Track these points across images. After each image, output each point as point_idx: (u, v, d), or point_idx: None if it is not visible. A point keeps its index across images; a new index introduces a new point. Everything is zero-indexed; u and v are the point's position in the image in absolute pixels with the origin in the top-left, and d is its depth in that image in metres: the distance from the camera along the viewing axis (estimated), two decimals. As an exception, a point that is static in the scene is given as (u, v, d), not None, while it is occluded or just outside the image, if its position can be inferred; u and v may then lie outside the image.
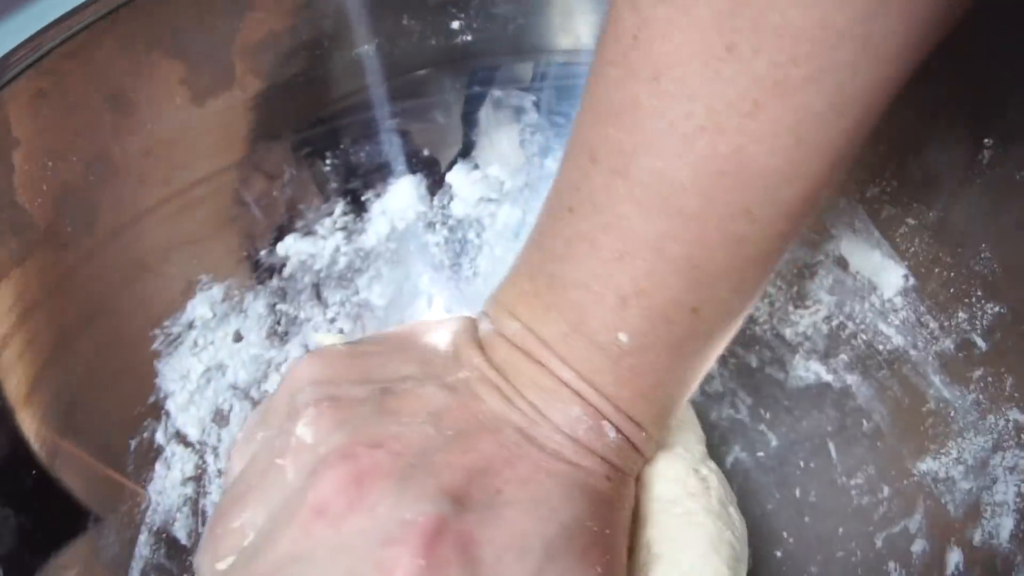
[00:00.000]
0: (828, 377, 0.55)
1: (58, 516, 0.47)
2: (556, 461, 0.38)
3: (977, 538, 0.46)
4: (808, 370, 0.56)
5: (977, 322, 0.49)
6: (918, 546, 0.49)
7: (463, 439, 0.38)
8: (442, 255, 0.62)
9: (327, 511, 0.35)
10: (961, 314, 0.49)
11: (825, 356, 0.55)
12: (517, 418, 0.39)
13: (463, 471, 0.36)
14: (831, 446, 0.54)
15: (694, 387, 0.42)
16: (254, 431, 0.43)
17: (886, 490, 0.51)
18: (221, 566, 0.38)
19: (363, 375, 0.41)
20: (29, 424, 0.47)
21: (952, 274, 0.50)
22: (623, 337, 0.38)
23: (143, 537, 0.50)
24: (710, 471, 0.47)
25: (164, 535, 0.51)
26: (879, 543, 0.51)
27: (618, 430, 0.40)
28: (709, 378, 0.59)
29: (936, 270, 0.51)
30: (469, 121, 0.60)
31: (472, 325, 0.44)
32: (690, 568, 0.42)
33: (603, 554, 0.38)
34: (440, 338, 0.43)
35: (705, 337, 0.40)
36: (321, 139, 0.58)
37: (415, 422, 0.38)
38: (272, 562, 0.35)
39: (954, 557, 0.47)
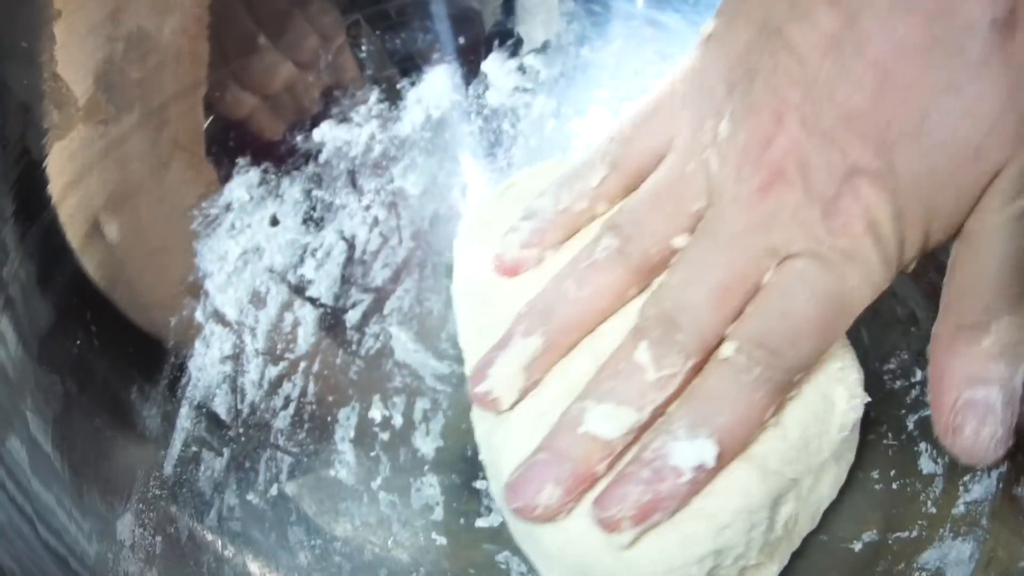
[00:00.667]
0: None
1: (102, 384, 0.48)
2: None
3: (1010, 416, 0.46)
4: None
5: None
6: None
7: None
8: (477, 145, 0.62)
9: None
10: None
11: (860, 244, 0.55)
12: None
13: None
14: (864, 332, 0.54)
15: None
16: None
17: (919, 374, 0.51)
18: None
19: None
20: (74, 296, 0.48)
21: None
22: None
23: (184, 410, 0.51)
24: None
25: (204, 409, 0.52)
26: (911, 425, 0.51)
27: None
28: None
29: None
30: (507, 8, 0.60)
31: None
32: None
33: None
34: None
35: None
36: (356, 26, 0.58)
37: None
38: None
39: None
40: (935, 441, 0.49)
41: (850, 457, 0.48)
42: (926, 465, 0.49)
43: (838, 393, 0.44)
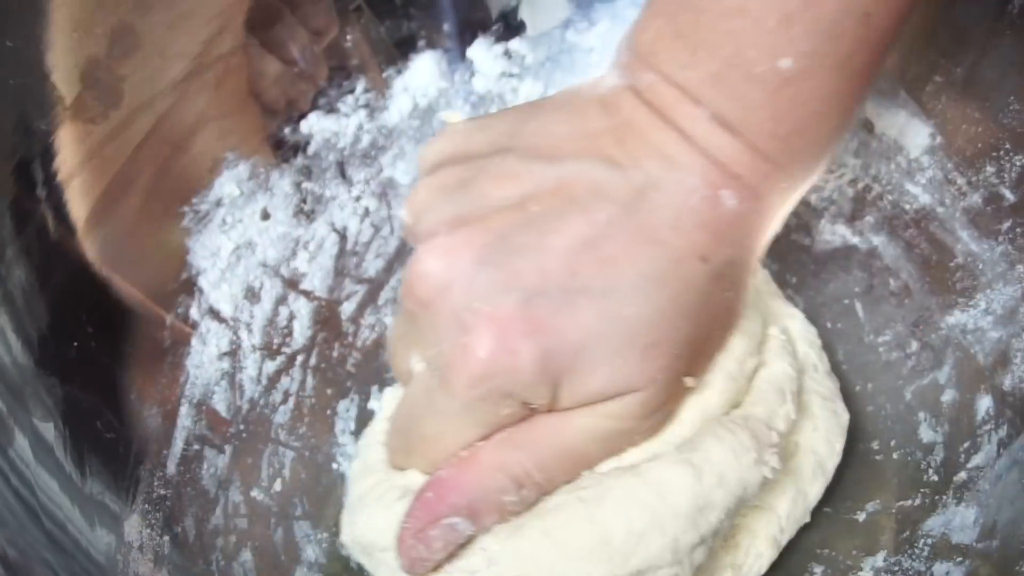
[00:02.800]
0: (854, 239, 0.56)
1: (102, 385, 0.47)
2: (649, 244, 0.37)
3: (1008, 383, 0.47)
4: (834, 233, 0.56)
5: (1005, 175, 0.49)
6: (948, 395, 0.50)
7: (549, 220, 0.38)
8: (465, 132, 0.62)
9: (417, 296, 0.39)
10: (989, 168, 0.49)
11: (851, 219, 0.56)
12: (622, 190, 0.37)
13: (541, 254, 0.37)
14: (858, 306, 0.55)
15: (853, 120, 0.40)
16: None
17: (914, 345, 0.52)
18: None
19: (466, 152, 0.41)
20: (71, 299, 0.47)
21: (980, 129, 0.50)
22: (785, 63, 0.34)
23: (184, 409, 0.51)
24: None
25: (204, 407, 0.52)
26: (908, 396, 0.52)
27: (742, 197, 0.38)
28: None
29: (963, 126, 0.51)
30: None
31: (594, 83, 0.41)
32: None
33: (669, 349, 0.38)
34: (563, 103, 0.41)
35: (874, 47, 0.36)
36: (340, 15, 0.58)
37: (504, 203, 0.38)
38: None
39: (984, 403, 0.48)
40: (933, 410, 0.50)
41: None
42: (926, 434, 0.50)
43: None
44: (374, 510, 0.46)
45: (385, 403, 0.53)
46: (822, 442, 0.48)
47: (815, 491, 0.48)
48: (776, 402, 0.45)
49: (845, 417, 0.50)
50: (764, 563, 0.47)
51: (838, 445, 0.49)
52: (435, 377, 0.39)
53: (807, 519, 0.48)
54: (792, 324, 0.52)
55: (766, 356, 0.47)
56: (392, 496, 0.46)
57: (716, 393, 0.44)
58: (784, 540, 0.47)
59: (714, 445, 0.42)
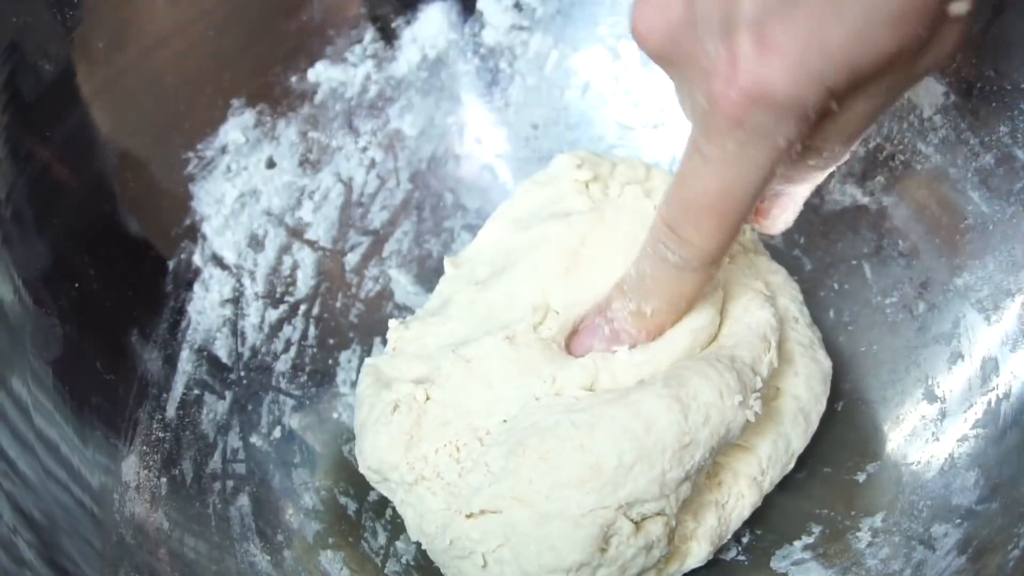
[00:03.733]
0: (864, 200, 0.55)
1: (101, 327, 0.48)
2: None
3: (1012, 346, 0.46)
4: (844, 194, 0.55)
5: (1019, 135, 0.48)
6: (953, 358, 0.49)
7: None
8: (473, 84, 0.61)
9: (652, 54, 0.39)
10: (1003, 128, 0.49)
11: (862, 179, 0.55)
12: None
13: None
14: (866, 267, 0.54)
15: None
16: None
17: (921, 306, 0.51)
18: None
19: None
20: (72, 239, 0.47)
21: (995, 88, 0.49)
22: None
23: (185, 354, 0.51)
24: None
25: (205, 353, 0.52)
26: (914, 357, 0.51)
27: None
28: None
29: (979, 85, 0.50)
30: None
31: None
32: None
33: None
34: None
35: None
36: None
37: None
38: None
39: (989, 365, 0.47)
40: (938, 372, 0.50)
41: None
42: (929, 396, 0.49)
43: None
44: (375, 430, 0.48)
45: (391, 335, 0.53)
46: (803, 387, 0.49)
47: (797, 436, 0.49)
48: (760, 348, 0.47)
49: (827, 364, 0.51)
50: (747, 505, 0.48)
51: (819, 391, 0.50)
52: (699, 132, 0.38)
53: (791, 465, 0.49)
54: (774, 279, 0.53)
55: (750, 305, 0.48)
56: (386, 413, 0.48)
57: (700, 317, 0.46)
58: (766, 483, 0.48)
59: (702, 384, 0.44)
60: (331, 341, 0.56)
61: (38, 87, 0.47)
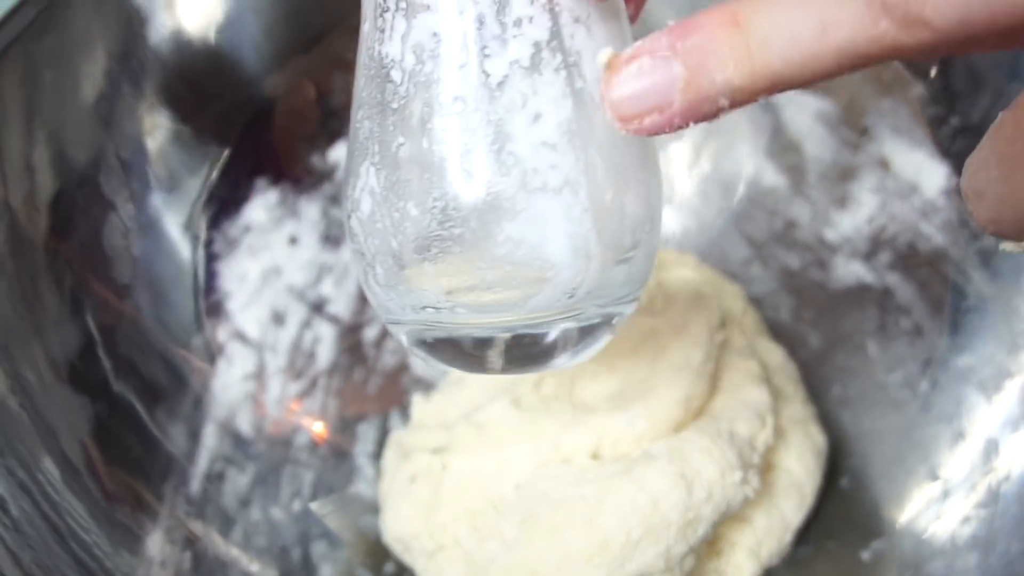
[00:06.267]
0: (869, 277, 0.56)
1: (130, 405, 0.50)
2: None
3: (1014, 426, 0.47)
4: (849, 271, 0.57)
5: (1019, 219, 0.49)
6: (955, 437, 0.50)
7: None
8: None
9: None
10: (1003, 212, 0.50)
11: (867, 257, 0.56)
12: None
13: None
14: (870, 344, 0.55)
15: None
16: None
17: (924, 384, 0.53)
18: None
19: None
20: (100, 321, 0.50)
21: (995, 172, 0.50)
22: None
23: (209, 428, 0.53)
24: None
25: (228, 427, 0.54)
26: (916, 435, 0.52)
27: None
28: (751, 280, 0.60)
29: (979, 169, 0.51)
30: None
31: None
32: None
33: None
34: None
35: None
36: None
37: None
38: None
39: (990, 445, 0.48)
40: (940, 450, 0.51)
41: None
42: (931, 474, 0.50)
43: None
44: (396, 501, 0.51)
45: (414, 411, 0.56)
46: (795, 461, 0.51)
47: (792, 509, 0.50)
48: (757, 426, 0.49)
49: (820, 440, 0.53)
50: (745, 574, 0.49)
51: (813, 465, 0.52)
52: None
53: (788, 537, 0.50)
54: (771, 359, 0.55)
55: (744, 383, 0.51)
56: (406, 484, 0.51)
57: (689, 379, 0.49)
58: (764, 554, 0.50)
59: (705, 461, 0.46)
60: (349, 414, 0.58)
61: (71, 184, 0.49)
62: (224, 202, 0.55)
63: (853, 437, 0.54)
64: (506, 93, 0.30)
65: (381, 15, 0.31)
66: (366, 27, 0.32)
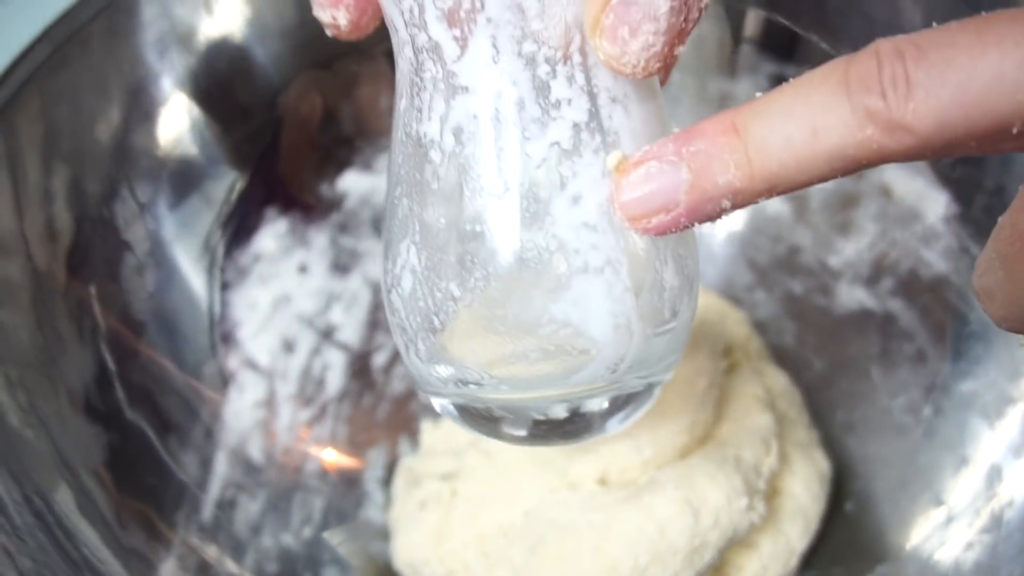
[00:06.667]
0: (872, 303, 0.57)
1: (143, 433, 0.50)
2: None
3: (1015, 453, 0.48)
4: (852, 297, 0.58)
5: (1019, 246, 0.50)
6: (958, 463, 0.51)
7: None
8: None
9: None
10: (1003, 239, 0.51)
11: (869, 283, 0.57)
12: None
13: None
14: (874, 370, 0.56)
15: None
16: None
17: (927, 410, 0.53)
18: None
19: None
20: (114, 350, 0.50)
21: (995, 199, 0.51)
22: None
23: (220, 456, 0.54)
24: None
25: (239, 455, 0.54)
26: (920, 460, 0.53)
27: None
28: (756, 306, 0.61)
29: (978, 196, 0.52)
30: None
31: None
32: None
33: None
34: None
35: None
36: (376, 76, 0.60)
37: None
38: None
39: (993, 472, 0.49)
40: (943, 476, 0.51)
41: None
42: (935, 500, 0.51)
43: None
44: (407, 528, 0.52)
45: (423, 437, 0.56)
46: (800, 486, 0.52)
47: (796, 534, 0.51)
48: (761, 451, 0.50)
49: (824, 465, 0.54)
50: None
51: (817, 490, 0.52)
52: None
53: (793, 562, 0.51)
54: (775, 384, 0.56)
55: (749, 409, 0.52)
56: (415, 508, 0.52)
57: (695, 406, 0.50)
58: None
59: (711, 487, 0.46)
60: (359, 440, 0.59)
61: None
62: (235, 232, 0.56)
63: (858, 462, 0.55)
64: (546, 175, 0.30)
65: (418, 94, 0.31)
66: (402, 104, 0.33)
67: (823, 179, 0.28)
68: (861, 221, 0.57)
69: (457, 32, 0.30)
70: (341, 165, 0.60)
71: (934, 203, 0.54)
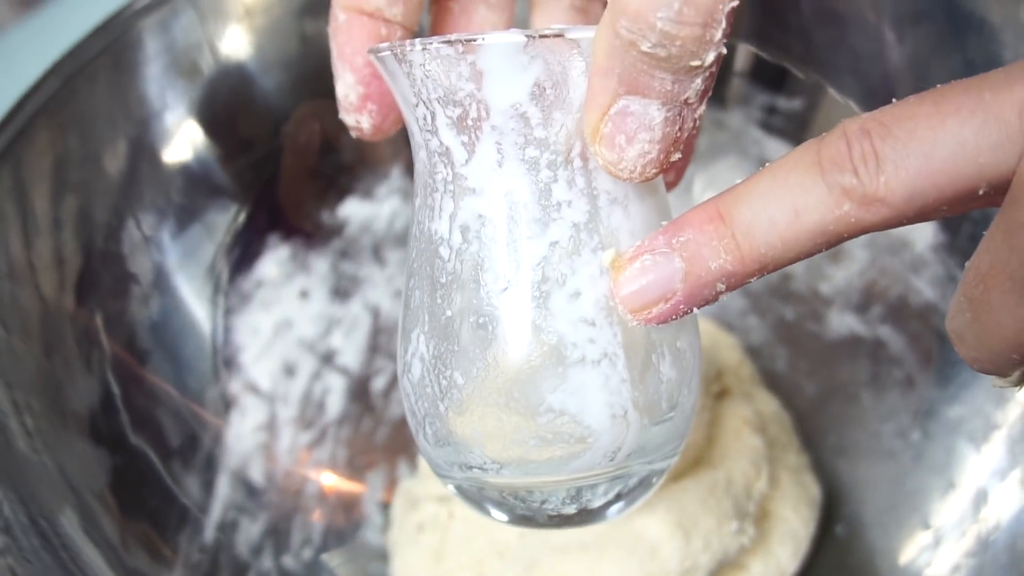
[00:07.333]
0: (862, 329, 0.58)
1: (147, 456, 0.51)
2: None
3: (1004, 475, 0.49)
4: (843, 323, 0.59)
5: (1004, 275, 0.51)
6: (947, 486, 0.52)
7: None
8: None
9: None
10: (989, 267, 0.52)
11: (859, 309, 0.58)
12: None
13: None
14: (864, 395, 0.57)
15: None
16: None
17: (916, 434, 0.54)
18: None
19: None
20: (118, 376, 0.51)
21: (980, 228, 0.52)
22: None
23: (222, 478, 0.55)
24: None
25: (241, 477, 0.55)
26: (908, 484, 0.54)
27: None
28: (748, 331, 0.62)
29: (965, 224, 0.53)
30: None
31: None
32: None
33: None
34: None
35: None
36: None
37: None
38: None
39: (980, 494, 0.50)
40: (932, 500, 0.52)
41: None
42: (924, 523, 0.52)
43: None
44: (405, 550, 0.53)
45: (421, 460, 0.57)
46: (790, 510, 0.53)
47: (787, 557, 0.52)
48: (752, 475, 0.51)
49: (814, 488, 0.55)
50: None
51: (807, 514, 0.53)
52: None
53: None
54: (766, 408, 0.57)
55: (740, 432, 0.53)
56: (413, 531, 0.53)
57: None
58: None
59: (701, 511, 0.48)
60: (358, 463, 0.60)
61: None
62: (238, 259, 0.57)
63: (848, 485, 0.56)
64: (547, 272, 0.32)
65: (430, 193, 0.34)
66: (417, 202, 0.35)
67: (810, 254, 0.29)
68: (851, 249, 0.58)
69: (465, 138, 0.32)
70: (342, 193, 0.61)
71: (922, 232, 0.55)
